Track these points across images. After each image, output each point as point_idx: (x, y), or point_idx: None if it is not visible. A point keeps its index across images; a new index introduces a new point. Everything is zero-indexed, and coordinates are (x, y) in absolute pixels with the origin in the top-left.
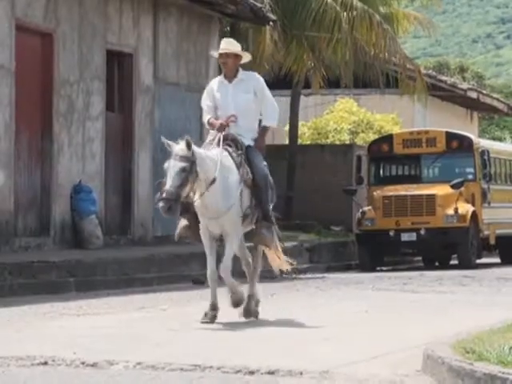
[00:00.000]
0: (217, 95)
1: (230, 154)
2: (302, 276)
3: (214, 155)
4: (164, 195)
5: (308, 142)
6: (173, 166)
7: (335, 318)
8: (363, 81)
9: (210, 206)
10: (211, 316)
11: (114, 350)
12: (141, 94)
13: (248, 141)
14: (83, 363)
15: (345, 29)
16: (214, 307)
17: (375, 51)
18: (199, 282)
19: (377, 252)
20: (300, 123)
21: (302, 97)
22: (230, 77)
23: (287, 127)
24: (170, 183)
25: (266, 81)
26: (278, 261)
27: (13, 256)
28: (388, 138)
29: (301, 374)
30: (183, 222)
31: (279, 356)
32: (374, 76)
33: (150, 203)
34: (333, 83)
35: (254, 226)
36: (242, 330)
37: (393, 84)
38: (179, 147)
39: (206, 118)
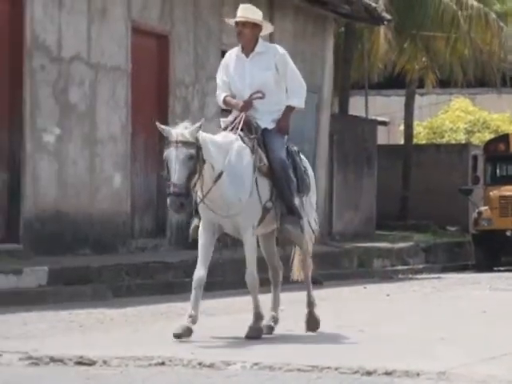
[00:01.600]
0: (231, 71)
1: (241, 138)
2: (417, 276)
3: (222, 142)
4: (172, 190)
5: (423, 142)
6: (176, 155)
7: (452, 318)
8: (479, 80)
9: (218, 201)
10: (184, 328)
11: (231, 351)
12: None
13: (266, 123)
14: (200, 364)
15: (463, 28)
16: (193, 319)
17: (491, 50)
18: (318, 282)
19: (494, 252)
20: (415, 123)
21: (416, 96)
22: (248, 50)
23: (402, 127)
24: (176, 175)
25: (380, 80)
26: (301, 267)
27: (130, 257)
28: (504, 138)
29: (417, 374)
30: (196, 222)
31: (395, 356)
32: (490, 75)
33: None
34: (447, 83)
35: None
36: (355, 332)
37: (509, 83)
38: (178, 132)
39: (221, 95)
